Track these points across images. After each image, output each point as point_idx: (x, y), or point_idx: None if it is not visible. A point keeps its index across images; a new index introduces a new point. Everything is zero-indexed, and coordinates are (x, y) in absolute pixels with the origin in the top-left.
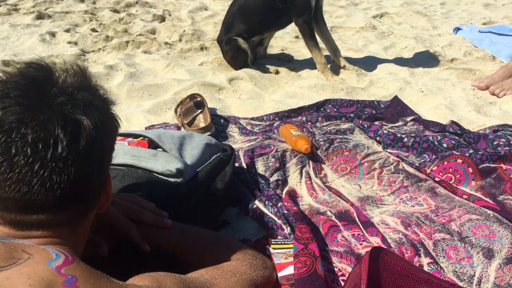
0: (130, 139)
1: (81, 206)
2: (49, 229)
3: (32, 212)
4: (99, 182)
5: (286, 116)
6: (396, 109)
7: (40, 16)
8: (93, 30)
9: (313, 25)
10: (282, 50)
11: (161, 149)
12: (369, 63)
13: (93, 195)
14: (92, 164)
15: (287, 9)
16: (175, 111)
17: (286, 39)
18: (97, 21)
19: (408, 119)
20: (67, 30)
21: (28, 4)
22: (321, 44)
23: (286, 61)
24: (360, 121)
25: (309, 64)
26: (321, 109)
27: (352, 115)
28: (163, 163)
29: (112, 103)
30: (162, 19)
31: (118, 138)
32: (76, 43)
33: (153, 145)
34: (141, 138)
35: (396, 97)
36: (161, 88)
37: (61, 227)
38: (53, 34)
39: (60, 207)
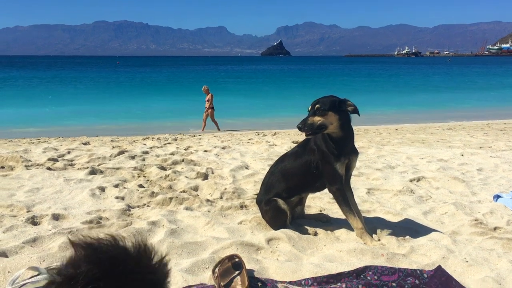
0: None
1: None
2: None
3: None
4: None
5: (325, 281)
6: (441, 279)
7: (93, 172)
8: (140, 186)
9: None
10: (320, 210)
11: None
12: (408, 228)
13: None
14: None
15: (320, 176)
16: (213, 271)
17: (324, 200)
18: (144, 177)
19: None
20: (116, 185)
21: (83, 159)
22: None
23: (323, 221)
24: None
25: (347, 225)
26: (362, 276)
27: (394, 284)
28: None
29: None
30: (205, 176)
31: None
32: (123, 198)
33: None
34: None
35: (439, 267)
36: (200, 246)
37: None
38: (102, 189)
39: None
